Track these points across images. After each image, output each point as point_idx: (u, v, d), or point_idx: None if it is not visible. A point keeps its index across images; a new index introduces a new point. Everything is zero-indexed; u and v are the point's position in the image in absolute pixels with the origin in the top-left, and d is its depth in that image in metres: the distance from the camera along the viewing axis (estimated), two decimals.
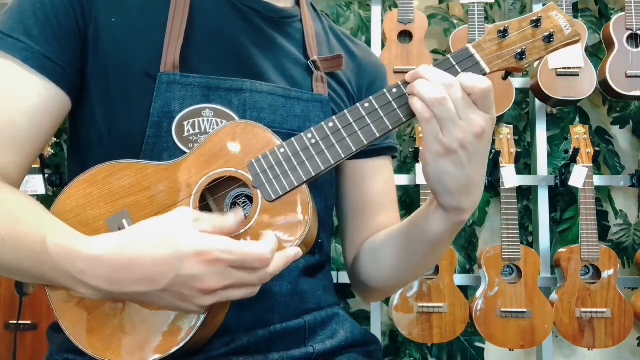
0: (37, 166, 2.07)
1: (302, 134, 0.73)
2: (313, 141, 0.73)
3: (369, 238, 0.96)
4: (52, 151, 2.18)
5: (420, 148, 0.75)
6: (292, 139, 0.73)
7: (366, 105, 0.74)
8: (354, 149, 0.73)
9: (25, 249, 0.68)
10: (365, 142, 0.73)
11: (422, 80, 0.71)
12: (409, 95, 0.72)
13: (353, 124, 0.73)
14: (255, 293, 0.68)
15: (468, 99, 0.70)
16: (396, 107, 0.73)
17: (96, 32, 0.80)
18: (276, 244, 0.67)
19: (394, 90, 0.74)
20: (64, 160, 2.40)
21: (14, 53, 0.75)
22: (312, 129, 0.73)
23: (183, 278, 0.63)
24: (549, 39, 0.75)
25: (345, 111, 0.74)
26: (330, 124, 0.73)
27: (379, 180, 0.99)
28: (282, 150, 0.72)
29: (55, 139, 2.23)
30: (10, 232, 0.69)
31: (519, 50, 0.75)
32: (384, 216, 0.98)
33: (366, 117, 0.73)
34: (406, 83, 0.74)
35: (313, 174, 0.72)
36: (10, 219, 0.70)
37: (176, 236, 0.64)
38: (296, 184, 0.71)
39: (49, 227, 0.69)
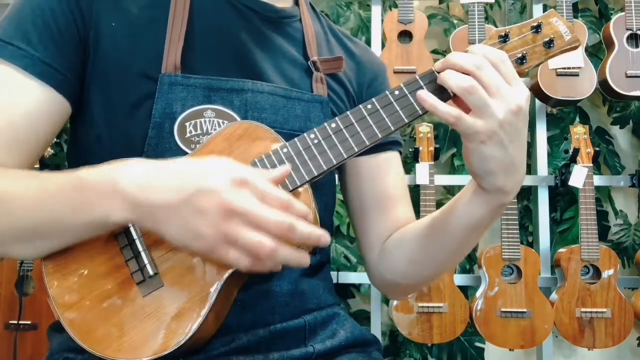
0: (37, 166, 2.08)
1: (304, 134, 0.74)
2: (315, 141, 0.73)
3: (393, 233, 0.95)
4: (52, 151, 2.18)
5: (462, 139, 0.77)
6: (295, 139, 0.73)
7: (368, 106, 0.74)
8: (356, 149, 0.73)
9: (52, 187, 0.70)
10: (367, 143, 0.73)
11: (449, 71, 0.71)
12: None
13: (355, 124, 0.74)
14: (261, 250, 0.63)
15: (500, 75, 0.71)
16: (398, 109, 0.74)
17: (96, 37, 0.80)
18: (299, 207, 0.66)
19: (396, 92, 0.75)
20: (64, 160, 2.40)
21: (13, 60, 0.75)
22: (314, 129, 0.74)
23: (206, 189, 0.63)
24: (549, 44, 0.76)
25: (348, 112, 0.74)
26: (333, 125, 0.74)
27: (391, 173, 0.99)
28: (284, 150, 0.73)
29: (55, 139, 2.24)
30: (36, 180, 0.71)
31: (520, 55, 0.76)
32: (401, 209, 0.97)
33: (368, 117, 0.74)
34: (408, 85, 0.75)
35: (315, 174, 0.72)
36: (29, 174, 0.73)
37: (207, 160, 0.68)
38: (298, 183, 0.72)
39: (72, 170, 0.71)
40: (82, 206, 0.68)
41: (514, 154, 0.73)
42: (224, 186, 0.63)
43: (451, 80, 0.70)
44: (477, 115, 0.70)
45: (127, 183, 0.66)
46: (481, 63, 0.70)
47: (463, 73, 0.71)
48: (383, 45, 2.36)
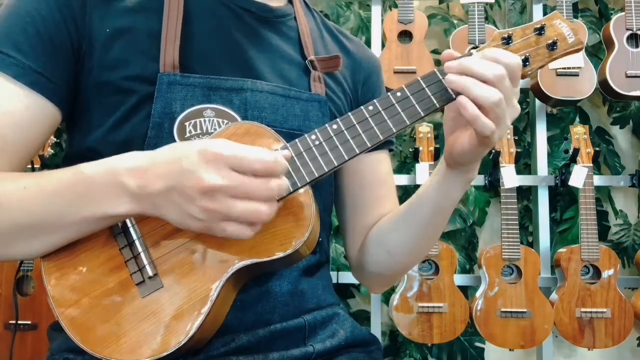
0: (38, 166, 2.08)
1: (305, 135, 0.73)
2: (317, 142, 0.73)
3: (373, 227, 0.98)
4: (52, 151, 2.18)
5: (446, 139, 0.80)
6: (296, 140, 0.73)
7: (370, 107, 0.74)
8: (357, 151, 0.73)
9: (54, 183, 0.71)
10: (369, 145, 0.73)
11: (472, 80, 0.72)
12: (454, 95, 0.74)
13: (356, 126, 0.73)
14: (260, 216, 0.66)
15: (511, 85, 0.73)
16: (400, 111, 0.74)
17: (90, 45, 0.79)
18: (283, 161, 0.67)
19: (398, 94, 0.74)
20: None
21: (3, 69, 0.75)
22: (315, 130, 0.73)
23: (185, 174, 0.65)
24: (552, 46, 0.76)
25: (350, 113, 0.74)
26: (334, 126, 0.73)
27: (379, 172, 1.01)
28: (285, 151, 0.72)
29: (55, 139, 2.23)
30: (33, 178, 0.72)
31: (523, 57, 0.76)
32: (386, 207, 0.99)
33: (370, 119, 0.74)
34: (409, 87, 0.75)
35: (316, 175, 0.72)
36: (29, 174, 0.74)
37: (187, 143, 0.68)
38: (299, 185, 0.71)
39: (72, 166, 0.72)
40: (85, 200, 0.69)
41: None
42: (196, 165, 0.64)
43: (477, 90, 0.71)
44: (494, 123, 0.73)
45: (127, 175, 0.68)
46: (502, 74, 0.71)
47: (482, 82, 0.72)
48: (383, 45, 2.36)
